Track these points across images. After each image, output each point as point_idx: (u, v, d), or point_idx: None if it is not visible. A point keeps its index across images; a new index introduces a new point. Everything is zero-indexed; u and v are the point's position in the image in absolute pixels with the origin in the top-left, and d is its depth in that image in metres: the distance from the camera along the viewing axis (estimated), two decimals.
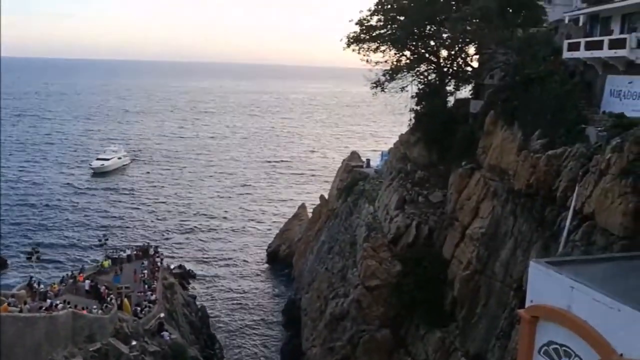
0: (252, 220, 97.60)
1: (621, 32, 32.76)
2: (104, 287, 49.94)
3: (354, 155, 79.69)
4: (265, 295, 70.37)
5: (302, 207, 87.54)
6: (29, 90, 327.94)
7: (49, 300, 44.29)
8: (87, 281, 51.13)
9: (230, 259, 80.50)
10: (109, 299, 46.75)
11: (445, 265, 41.01)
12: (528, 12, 45.46)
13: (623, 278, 18.08)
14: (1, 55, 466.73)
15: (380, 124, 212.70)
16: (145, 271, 56.60)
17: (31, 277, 50.63)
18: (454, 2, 48.20)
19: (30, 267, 58.82)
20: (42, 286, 49.05)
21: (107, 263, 57.27)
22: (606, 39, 32.19)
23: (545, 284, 17.67)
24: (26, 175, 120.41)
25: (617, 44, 30.98)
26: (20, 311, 38.71)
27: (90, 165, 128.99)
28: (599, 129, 28.72)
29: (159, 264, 60.28)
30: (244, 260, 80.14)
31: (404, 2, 52.69)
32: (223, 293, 70.06)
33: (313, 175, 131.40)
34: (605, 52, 31.74)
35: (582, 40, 34.23)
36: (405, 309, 42.98)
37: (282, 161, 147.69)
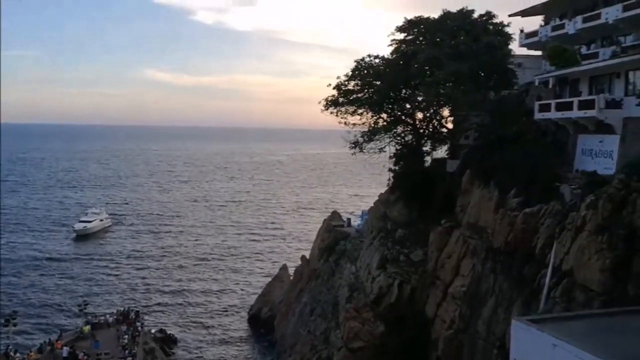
0: (233, 282, 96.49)
1: (590, 94, 34.16)
2: (82, 354, 48.96)
3: (335, 214, 79.91)
4: (247, 359, 69.07)
5: (284, 268, 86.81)
6: (9, 157, 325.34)
7: None
8: (65, 348, 50.12)
9: (212, 322, 79.18)
10: None
11: (429, 325, 40.97)
12: (499, 75, 47.17)
13: (604, 334, 18.33)
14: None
15: (360, 184, 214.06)
16: (126, 336, 55.60)
17: (7, 346, 49.54)
18: (427, 67, 49.76)
19: (7, 335, 57.50)
20: (18, 354, 47.98)
21: (87, 329, 56.28)
22: (576, 100, 33.51)
23: (528, 342, 17.90)
24: (4, 240, 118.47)
25: (586, 105, 32.21)
26: None
27: (73, 227, 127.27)
28: (573, 186, 29.56)
29: (139, 328, 59.28)
30: (226, 324, 78.87)
31: (380, 67, 54.52)
32: (205, 357, 68.67)
33: (294, 236, 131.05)
34: (576, 113, 32.96)
35: (553, 102, 35.58)
36: None
37: (262, 222, 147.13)
